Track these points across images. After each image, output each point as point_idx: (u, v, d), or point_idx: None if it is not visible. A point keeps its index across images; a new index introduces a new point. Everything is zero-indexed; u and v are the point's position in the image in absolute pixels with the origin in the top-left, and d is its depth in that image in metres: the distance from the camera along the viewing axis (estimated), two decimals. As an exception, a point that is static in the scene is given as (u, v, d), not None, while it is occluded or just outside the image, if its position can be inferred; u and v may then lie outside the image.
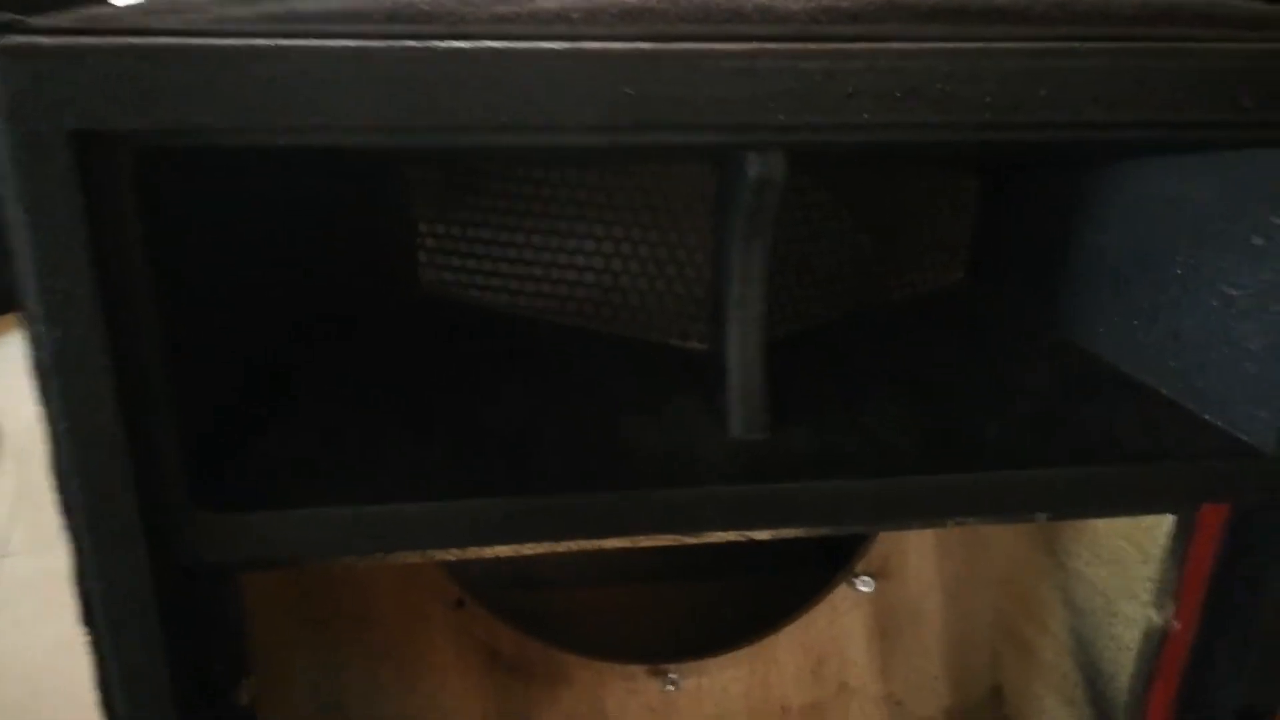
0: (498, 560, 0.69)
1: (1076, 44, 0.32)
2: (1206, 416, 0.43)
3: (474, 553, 0.41)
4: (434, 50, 0.30)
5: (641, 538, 0.40)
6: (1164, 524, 0.48)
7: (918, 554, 0.68)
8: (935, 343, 0.49)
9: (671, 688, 0.66)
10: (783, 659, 0.67)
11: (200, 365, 0.37)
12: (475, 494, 0.37)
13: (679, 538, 0.40)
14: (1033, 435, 0.42)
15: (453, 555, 0.41)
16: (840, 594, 0.67)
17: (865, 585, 0.67)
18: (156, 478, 0.34)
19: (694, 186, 0.45)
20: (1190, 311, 0.43)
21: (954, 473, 0.40)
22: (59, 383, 0.32)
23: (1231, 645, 0.45)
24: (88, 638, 0.38)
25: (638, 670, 0.67)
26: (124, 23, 0.30)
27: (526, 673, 0.66)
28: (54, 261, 0.30)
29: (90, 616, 0.37)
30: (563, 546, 0.41)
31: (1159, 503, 0.43)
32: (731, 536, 0.40)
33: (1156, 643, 0.49)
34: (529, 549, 0.41)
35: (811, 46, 0.31)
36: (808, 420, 0.42)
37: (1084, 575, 0.58)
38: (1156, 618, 0.49)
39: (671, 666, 0.67)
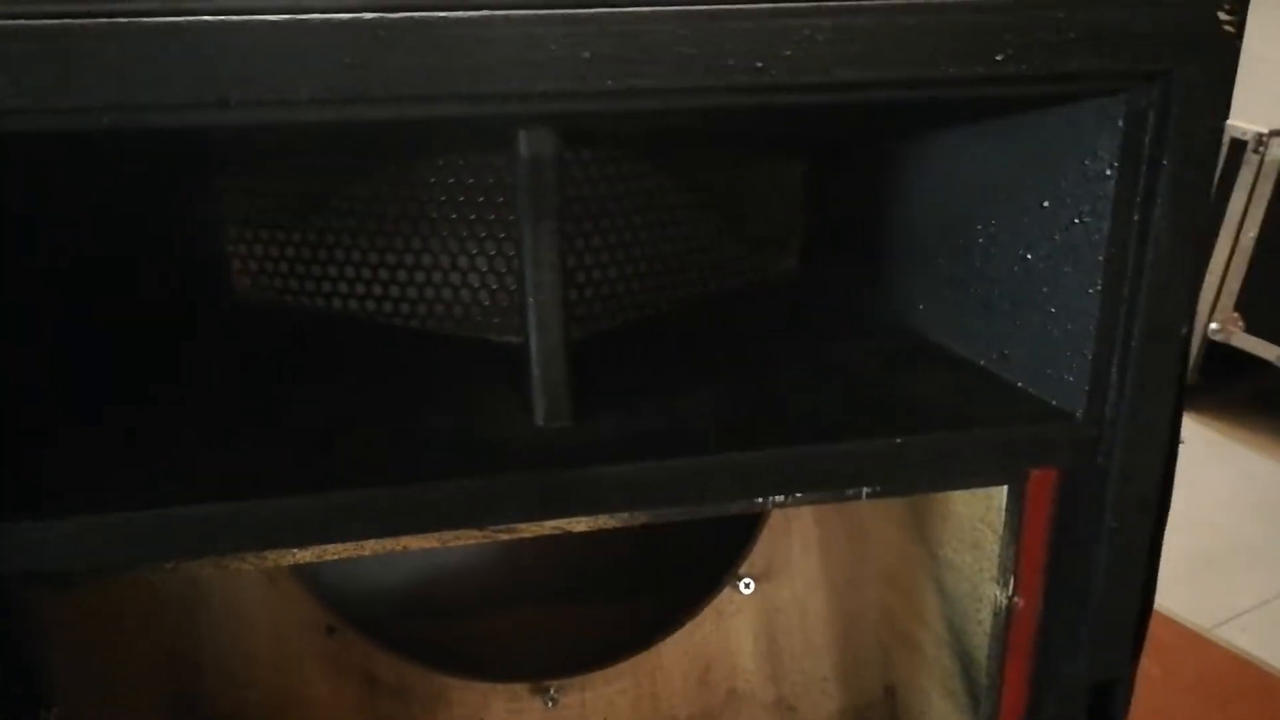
0: (370, 587, 0.67)
1: (820, 1, 0.32)
2: (1019, 384, 0.43)
3: (276, 558, 0.40)
4: (142, 26, 0.29)
5: (445, 533, 0.39)
6: (993, 506, 0.47)
7: (801, 553, 0.67)
8: (760, 329, 0.49)
9: (553, 705, 0.64)
10: (669, 668, 0.66)
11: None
12: (267, 494, 0.36)
13: (484, 532, 0.39)
14: (846, 410, 0.42)
15: (249, 563, 0.40)
16: (725, 598, 0.66)
17: (748, 587, 0.66)
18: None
19: (499, 177, 0.44)
20: (996, 280, 0.43)
21: (761, 449, 0.39)
22: None
23: (1072, 617, 0.45)
24: None
25: (520, 689, 0.65)
26: None
27: (405, 698, 0.64)
28: None
29: None
30: (367, 549, 0.40)
31: (973, 471, 0.43)
32: (535, 529, 0.39)
33: (1004, 621, 0.48)
34: (333, 551, 0.39)
35: (543, 13, 0.31)
36: (617, 407, 0.41)
37: (952, 562, 0.57)
38: (1001, 596, 0.48)
39: (554, 683, 0.65)
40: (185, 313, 0.46)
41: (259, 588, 0.61)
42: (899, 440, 0.40)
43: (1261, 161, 1.48)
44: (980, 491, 0.51)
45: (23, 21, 0.28)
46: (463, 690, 0.64)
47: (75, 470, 0.38)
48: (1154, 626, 1.11)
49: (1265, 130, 1.48)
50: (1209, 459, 1.50)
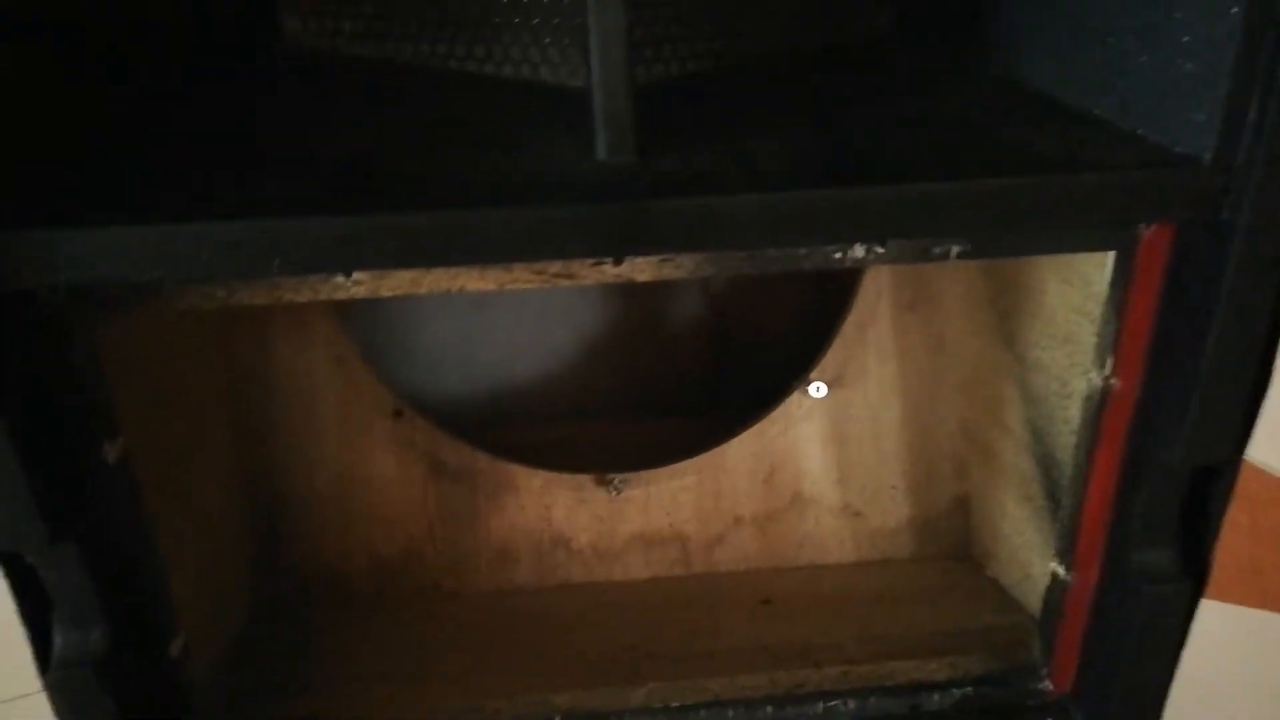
0: (442, 374, 0.67)
1: None
2: (1138, 131, 0.38)
3: (325, 289, 0.39)
4: None
5: (498, 270, 0.37)
6: (1106, 276, 0.43)
7: (876, 361, 0.64)
8: (847, 83, 0.44)
9: (617, 495, 0.64)
10: (734, 468, 0.65)
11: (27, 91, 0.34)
12: (309, 213, 0.34)
13: (538, 267, 0.37)
14: (936, 155, 0.38)
15: (299, 293, 0.38)
16: (794, 402, 0.64)
17: (819, 391, 0.63)
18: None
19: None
20: (1116, 11, 0.37)
21: (836, 188, 0.35)
22: None
23: (1175, 398, 0.41)
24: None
25: (585, 480, 0.64)
26: None
27: (470, 482, 0.64)
28: None
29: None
30: (423, 286, 0.38)
31: (1079, 226, 0.38)
32: (596, 269, 0.37)
33: (1097, 405, 0.45)
34: (380, 285, 0.38)
35: None
36: (685, 146, 0.38)
37: (1041, 362, 0.54)
38: (1096, 378, 0.45)
39: (619, 476, 0.64)
40: (233, 53, 0.44)
41: (326, 369, 0.61)
42: (994, 183, 0.36)
43: None
44: (1079, 275, 0.47)
45: None
46: (528, 478, 0.64)
47: (118, 189, 0.36)
48: (1248, 483, 1.06)
49: None
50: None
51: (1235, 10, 0.33)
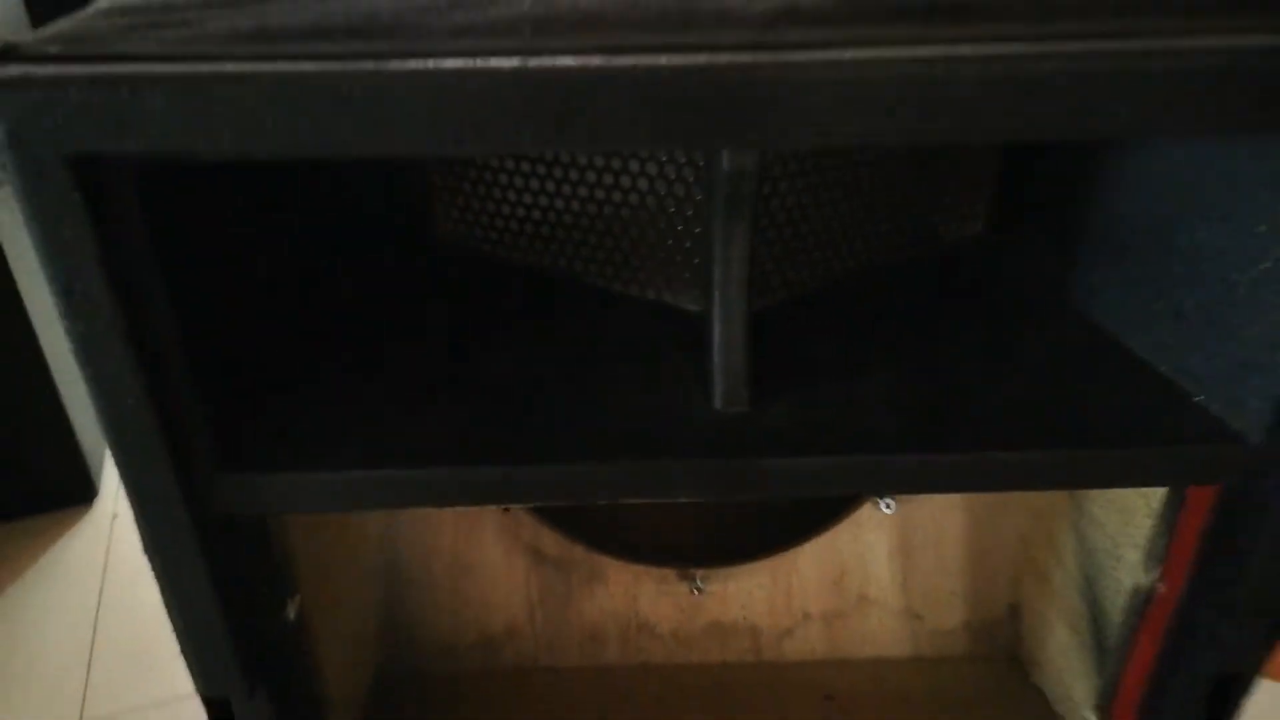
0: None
1: (1058, 45, 0.31)
2: (1199, 399, 0.42)
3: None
4: (385, 72, 0.31)
5: (621, 499, 0.43)
6: (1160, 489, 0.48)
7: (944, 478, 0.69)
8: (940, 307, 0.49)
9: (698, 592, 0.71)
10: (805, 570, 0.71)
11: (216, 338, 0.41)
12: (471, 461, 0.41)
13: (656, 499, 0.43)
14: (1023, 416, 0.43)
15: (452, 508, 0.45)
16: (864, 513, 0.70)
17: (888, 507, 0.69)
18: (184, 446, 0.39)
19: (696, 175, 0.45)
20: (1192, 291, 0.42)
21: (935, 453, 0.41)
22: (87, 371, 0.36)
23: (1213, 613, 0.46)
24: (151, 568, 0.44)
25: (669, 574, 0.71)
26: (106, 46, 0.32)
27: (567, 571, 0.71)
28: (66, 269, 0.34)
29: (148, 551, 0.43)
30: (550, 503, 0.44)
31: (1143, 481, 0.43)
32: (703, 499, 0.43)
33: (1143, 601, 0.50)
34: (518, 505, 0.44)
35: (766, 59, 0.31)
36: (793, 392, 0.44)
37: (1096, 518, 0.58)
38: (1144, 579, 0.50)
39: (700, 571, 0.71)
40: (392, 258, 0.50)
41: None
42: (1076, 453, 0.41)
43: None
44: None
45: (282, 66, 0.31)
46: (618, 570, 0.71)
47: (302, 430, 0.43)
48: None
49: None
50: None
51: (1289, 330, 0.38)
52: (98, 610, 1.04)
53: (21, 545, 1.13)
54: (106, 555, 1.11)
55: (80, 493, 1.18)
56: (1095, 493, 0.59)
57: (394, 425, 0.43)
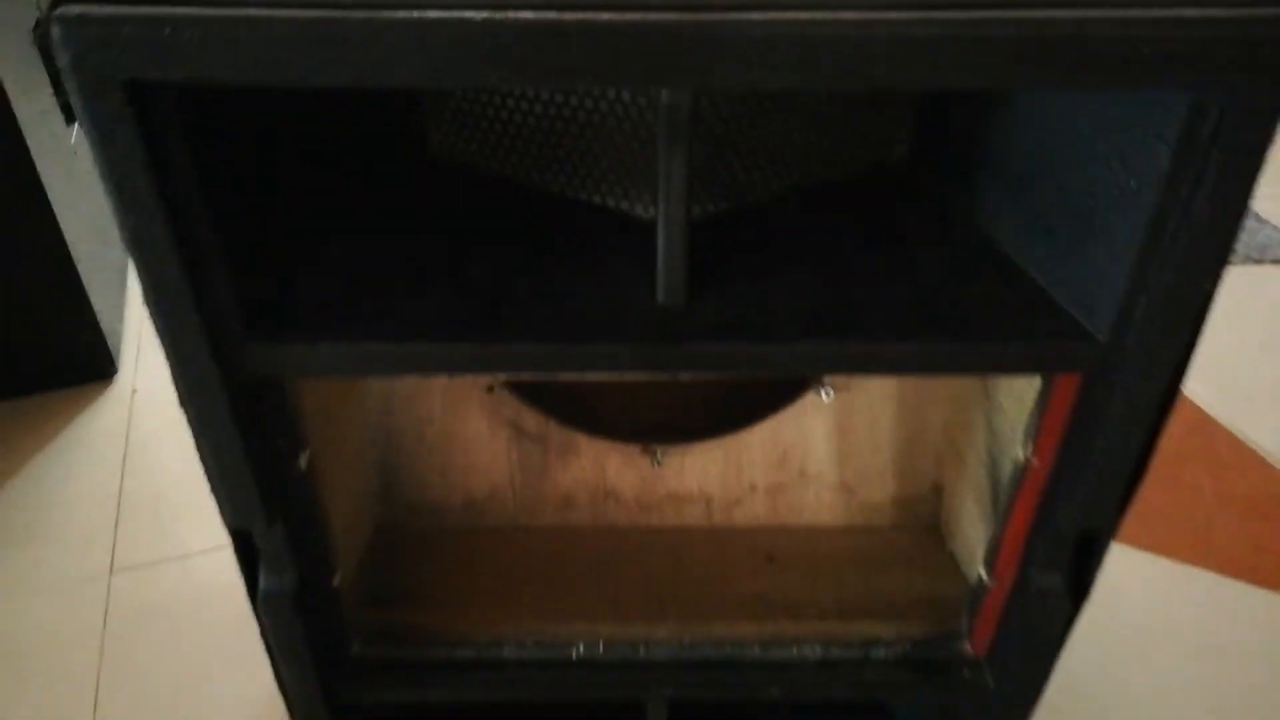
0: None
1: (931, 14, 0.38)
2: (1063, 304, 0.51)
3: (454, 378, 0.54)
4: (378, 20, 0.38)
5: (577, 373, 0.52)
6: (1036, 380, 0.57)
7: (879, 371, 0.78)
8: (859, 223, 0.57)
9: (658, 464, 0.81)
10: (753, 448, 0.80)
11: (244, 230, 0.49)
12: (457, 338, 0.50)
13: (610, 375, 0.52)
14: (912, 311, 0.51)
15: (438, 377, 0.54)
16: (807, 400, 0.79)
17: (828, 395, 0.78)
18: (219, 318, 0.47)
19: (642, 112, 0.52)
20: (1061, 214, 0.50)
21: (834, 340, 0.49)
22: (136, 255, 0.44)
23: (1077, 485, 0.56)
24: (186, 418, 0.53)
25: (633, 449, 0.81)
26: (155, -12, 0.39)
27: (543, 444, 0.81)
28: (119, 172, 0.42)
29: (184, 404, 0.52)
30: (520, 376, 0.53)
31: (1014, 370, 0.52)
32: (646, 378, 0.52)
33: (1020, 473, 0.59)
34: (493, 377, 0.53)
35: (689, 18, 0.38)
36: (722, 290, 0.52)
37: (1001, 405, 0.67)
38: (1022, 453, 0.59)
39: (661, 447, 0.81)
40: (392, 169, 0.58)
41: (435, 351, 0.77)
42: (950, 345, 0.49)
43: None
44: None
45: (296, 12, 0.38)
46: (589, 444, 0.80)
47: (319, 306, 0.52)
48: (1214, 444, 1.19)
49: None
50: (1344, 282, 1.47)
51: (1133, 246, 0.46)
52: (122, 475, 1.14)
53: (46, 418, 1.23)
54: (128, 426, 1.21)
55: (101, 369, 1.27)
56: (1002, 384, 0.67)
57: (392, 306, 0.51)
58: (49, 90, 1.25)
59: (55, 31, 0.39)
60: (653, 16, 0.37)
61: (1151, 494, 1.12)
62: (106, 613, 0.98)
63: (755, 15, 0.38)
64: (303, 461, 0.58)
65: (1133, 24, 0.38)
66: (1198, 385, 1.27)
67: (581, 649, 0.70)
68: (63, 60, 0.39)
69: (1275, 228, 1.57)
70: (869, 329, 0.50)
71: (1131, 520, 1.06)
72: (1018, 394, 0.64)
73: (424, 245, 0.55)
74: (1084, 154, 0.47)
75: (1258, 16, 0.38)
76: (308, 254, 0.54)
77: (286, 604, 0.60)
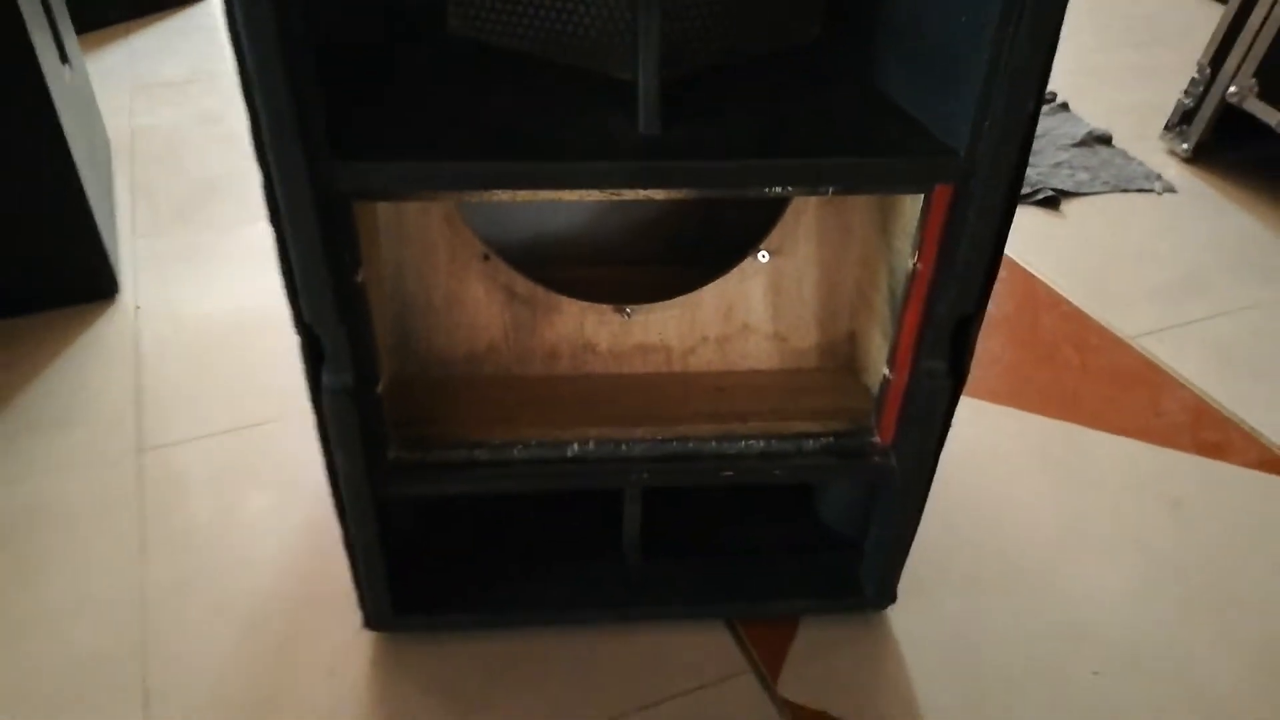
0: (511, 233, 0.99)
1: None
2: (934, 133, 0.69)
3: (488, 196, 0.71)
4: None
5: (583, 191, 0.69)
6: (917, 204, 0.76)
7: (804, 239, 0.96)
8: (785, 80, 0.75)
9: (627, 319, 0.98)
10: (705, 305, 0.98)
11: (331, 74, 0.64)
12: (487, 158, 0.66)
13: (605, 192, 0.69)
14: (827, 140, 0.69)
15: (474, 197, 0.70)
16: (747, 264, 0.97)
17: (764, 258, 0.96)
18: (314, 136, 0.63)
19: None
20: (930, 60, 0.68)
21: (772, 158, 0.67)
22: (260, 88, 0.60)
23: (951, 278, 0.75)
24: (275, 234, 0.68)
25: (606, 308, 0.98)
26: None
27: (532, 306, 0.97)
28: (254, 19, 0.57)
29: (276, 219, 0.67)
30: (540, 196, 0.70)
31: (901, 182, 0.71)
32: (632, 194, 0.69)
33: (907, 279, 0.78)
34: (516, 196, 0.70)
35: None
36: (688, 123, 0.70)
37: (896, 248, 0.86)
38: (909, 263, 0.78)
39: (630, 306, 0.98)
40: (419, 40, 0.74)
41: (441, 226, 0.93)
42: (860, 161, 0.68)
43: (1313, -67, 1.56)
44: (914, 198, 0.79)
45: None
46: (569, 304, 0.97)
47: (389, 136, 0.68)
48: (1084, 332, 1.42)
49: (1326, -99, 1.55)
50: (1197, 210, 1.72)
51: (979, 79, 0.65)
52: (136, 374, 1.27)
53: (57, 330, 1.34)
54: (136, 337, 1.34)
55: (105, 289, 1.39)
56: (896, 229, 0.86)
57: (439, 138, 0.68)
58: (49, 30, 1.36)
59: (219, -93, 0.54)
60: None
61: (1034, 370, 1.34)
62: (142, 482, 1.12)
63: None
64: (360, 276, 0.74)
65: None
66: (1072, 288, 1.50)
67: (575, 448, 0.86)
68: (225, -60, 0.55)
69: (1140, 163, 1.82)
70: (800, 150, 0.68)
71: (1018, 389, 1.28)
72: (906, 229, 0.83)
73: (452, 95, 0.72)
74: (945, 14, 0.66)
75: (1047, -96, 0.57)
76: (372, 98, 0.70)
77: (346, 398, 0.76)
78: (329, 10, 0.65)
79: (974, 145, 0.67)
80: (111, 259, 1.39)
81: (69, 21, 1.61)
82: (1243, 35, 1.69)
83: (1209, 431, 1.24)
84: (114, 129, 1.83)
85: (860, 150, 0.68)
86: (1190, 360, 1.36)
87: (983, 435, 1.23)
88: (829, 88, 0.75)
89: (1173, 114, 1.86)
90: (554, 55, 0.75)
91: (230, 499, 1.10)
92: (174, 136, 1.81)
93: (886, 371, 0.85)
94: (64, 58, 1.44)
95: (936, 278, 0.76)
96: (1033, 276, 1.53)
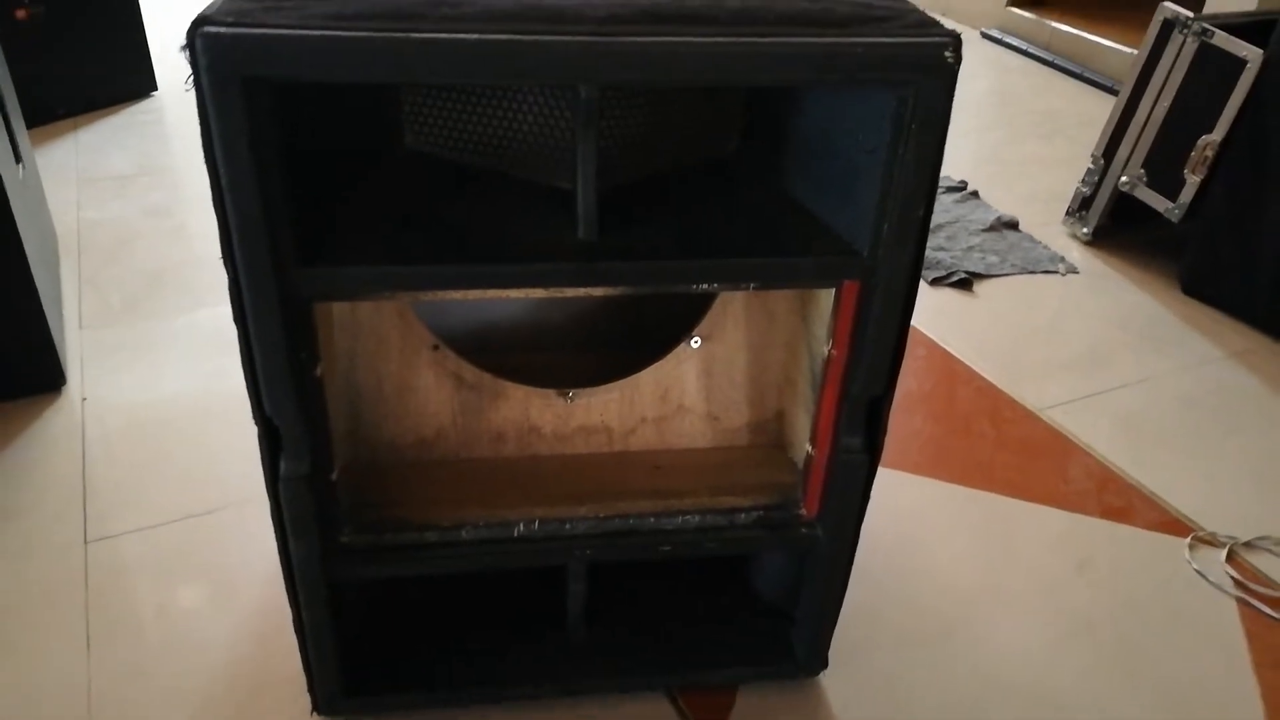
0: (461, 324, 1.05)
1: (739, 39, 0.65)
2: (840, 235, 0.78)
3: (442, 295, 0.77)
4: (405, 38, 0.62)
5: (528, 290, 0.75)
6: (830, 295, 0.84)
7: (733, 325, 1.04)
8: (707, 188, 0.83)
9: (571, 402, 1.04)
10: (643, 388, 1.05)
11: (297, 186, 0.70)
12: (440, 262, 0.73)
13: (548, 291, 0.76)
14: (747, 238, 0.77)
15: (428, 297, 0.76)
16: (681, 350, 1.04)
17: (696, 344, 1.04)
18: (281, 244, 0.69)
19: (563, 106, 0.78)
20: (837, 174, 0.77)
21: (693, 260, 0.75)
22: (231, 197, 0.66)
23: (861, 362, 0.82)
24: (239, 330, 0.73)
25: (550, 393, 1.04)
26: (256, 19, 0.62)
27: (479, 392, 1.03)
28: (229, 139, 0.64)
29: (241, 320, 0.72)
30: (489, 294, 0.76)
31: (815, 279, 0.79)
32: (573, 292, 0.76)
33: (824, 364, 0.86)
34: (468, 294, 0.76)
35: (597, 40, 0.64)
36: (621, 230, 0.77)
37: (815, 334, 0.94)
38: (824, 349, 0.86)
39: (572, 390, 1.04)
40: (378, 153, 0.81)
41: (393, 318, 0.98)
42: (775, 260, 0.76)
43: (1183, 43, 1.74)
44: (828, 291, 0.88)
45: (344, 34, 0.62)
46: (515, 389, 1.03)
47: (345, 243, 0.74)
48: (997, 405, 1.52)
49: (1192, 15, 1.74)
50: (1098, 288, 1.86)
51: (875, 189, 0.73)
52: (83, 465, 1.28)
53: (5, 421, 1.35)
54: (83, 428, 1.35)
55: (52, 381, 1.40)
56: (814, 316, 0.94)
57: (396, 243, 0.74)
58: (4, 132, 1.40)
59: (198, 43, 0.61)
60: (577, 39, 0.63)
61: (952, 442, 1.43)
62: (87, 574, 1.13)
63: (636, 38, 0.64)
64: (318, 371, 0.79)
65: (861, 45, 0.66)
66: (986, 364, 1.61)
67: (521, 528, 0.91)
68: (201, 62, 0.61)
69: (1045, 246, 1.96)
70: (722, 251, 0.76)
71: (937, 460, 1.36)
72: (822, 316, 0.91)
73: (408, 203, 0.78)
74: (845, 132, 0.75)
75: (925, 43, 0.67)
76: (335, 206, 0.76)
77: (302, 485, 0.80)
78: (299, 125, 0.72)
79: (875, 246, 0.76)
80: (59, 351, 1.41)
81: (21, 120, 1.65)
82: (1130, 129, 1.86)
83: (1113, 496, 1.34)
84: (61, 222, 1.85)
85: (775, 251, 0.76)
86: (1095, 430, 1.47)
87: (906, 504, 1.30)
88: (747, 194, 0.84)
89: (1073, 200, 2.02)
90: (501, 167, 0.83)
91: (177, 587, 1.12)
92: (121, 229, 1.85)
93: (809, 448, 0.92)
94: (17, 156, 1.48)
95: (850, 362, 0.84)
96: (949, 354, 1.63)
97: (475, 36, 0.62)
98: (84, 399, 1.40)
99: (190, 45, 0.61)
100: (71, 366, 1.47)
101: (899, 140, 0.70)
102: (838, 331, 0.84)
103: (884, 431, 0.87)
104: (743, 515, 0.94)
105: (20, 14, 2.18)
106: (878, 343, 0.80)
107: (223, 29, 0.61)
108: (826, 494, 0.92)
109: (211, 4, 0.64)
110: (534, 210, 0.80)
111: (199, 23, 0.61)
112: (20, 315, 1.33)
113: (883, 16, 0.68)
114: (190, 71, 0.63)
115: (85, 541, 1.17)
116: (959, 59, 0.68)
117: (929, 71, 0.67)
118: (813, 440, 0.92)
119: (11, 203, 1.27)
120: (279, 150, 0.67)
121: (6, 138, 1.42)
